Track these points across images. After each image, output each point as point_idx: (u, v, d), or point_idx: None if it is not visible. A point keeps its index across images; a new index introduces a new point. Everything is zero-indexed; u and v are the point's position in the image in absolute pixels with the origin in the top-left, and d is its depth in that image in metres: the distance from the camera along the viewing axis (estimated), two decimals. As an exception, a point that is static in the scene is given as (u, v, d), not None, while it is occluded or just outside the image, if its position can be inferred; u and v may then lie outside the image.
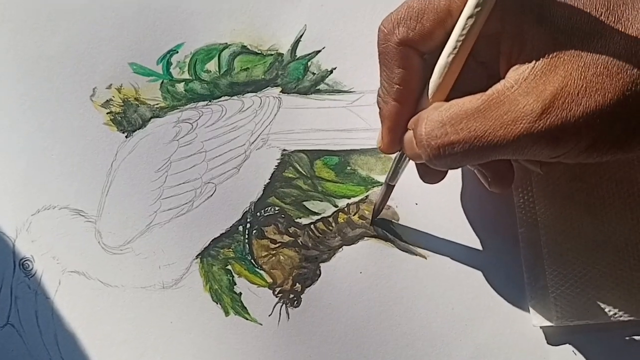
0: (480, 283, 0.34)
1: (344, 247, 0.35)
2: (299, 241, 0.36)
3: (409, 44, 0.27)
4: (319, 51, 0.38)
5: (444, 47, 0.26)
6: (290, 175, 0.37)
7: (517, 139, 0.24)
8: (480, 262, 0.34)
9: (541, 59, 0.24)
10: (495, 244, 0.34)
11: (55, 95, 0.40)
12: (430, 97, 0.27)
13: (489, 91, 0.25)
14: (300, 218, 0.36)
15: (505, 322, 0.33)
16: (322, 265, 0.35)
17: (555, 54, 0.24)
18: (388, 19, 0.27)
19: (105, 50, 0.40)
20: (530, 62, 0.25)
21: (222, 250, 0.36)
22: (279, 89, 0.38)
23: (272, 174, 0.37)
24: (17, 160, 0.39)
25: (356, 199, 0.36)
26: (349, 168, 0.37)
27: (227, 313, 0.35)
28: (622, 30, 0.24)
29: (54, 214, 0.38)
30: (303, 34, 0.39)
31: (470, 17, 0.25)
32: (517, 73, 0.25)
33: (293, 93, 0.38)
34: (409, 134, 0.28)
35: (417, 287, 0.34)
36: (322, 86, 0.38)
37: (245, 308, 0.35)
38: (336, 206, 0.36)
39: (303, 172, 0.37)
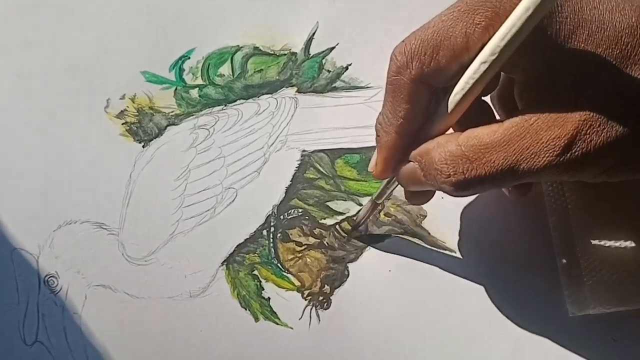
0: (514, 275, 0.33)
1: (370, 246, 0.35)
2: (324, 242, 0.35)
3: (422, 80, 0.26)
4: (333, 48, 0.38)
5: (456, 80, 0.25)
6: (311, 176, 0.36)
7: (540, 171, 0.24)
8: (511, 254, 0.34)
9: (562, 90, 0.24)
10: (526, 235, 0.34)
11: (69, 109, 0.40)
12: (450, 111, 0.26)
13: (508, 123, 0.25)
14: (324, 219, 0.36)
15: (542, 313, 0.33)
16: (349, 265, 0.35)
17: (577, 85, 0.24)
18: (401, 50, 0.26)
19: (117, 61, 0.40)
20: (550, 93, 0.25)
21: (247, 256, 0.36)
22: (295, 89, 0.38)
23: (293, 176, 0.37)
24: (35, 177, 0.39)
25: (381, 196, 0.35)
26: (370, 165, 0.36)
27: (256, 319, 0.35)
28: None
29: (76, 228, 0.38)
30: (315, 31, 0.38)
31: (483, 62, 0.24)
32: (537, 104, 0.25)
33: (309, 92, 0.38)
34: (412, 167, 0.28)
35: (448, 282, 0.34)
36: (338, 83, 0.37)
37: (275, 313, 0.35)
38: (360, 205, 0.36)
39: (324, 172, 0.36)
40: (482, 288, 0.34)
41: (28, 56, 0.42)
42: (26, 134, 0.40)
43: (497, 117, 0.31)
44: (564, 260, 0.33)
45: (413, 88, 0.26)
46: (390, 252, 0.35)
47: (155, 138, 0.38)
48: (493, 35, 0.24)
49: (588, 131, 0.24)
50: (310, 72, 0.38)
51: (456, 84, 0.25)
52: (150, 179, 0.38)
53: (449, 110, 0.26)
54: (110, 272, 0.37)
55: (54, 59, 0.41)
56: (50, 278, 0.37)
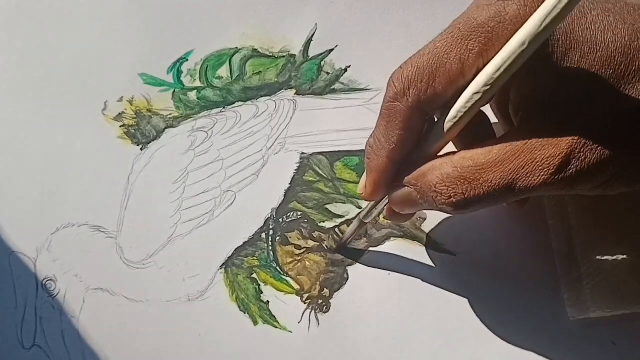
0: (513, 278, 0.33)
1: (370, 249, 0.35)
2: (324, 245, 0.35)
3: (419, 107, 0.26)
4: (332, 50, 0.38)
5: (451, 103, 0.26)
6: (310, 179, 0.36)
7: (536, 189, 0.25)
8: (511, 258, 0.34)
9: (556, 110, 0.24)
10: (525, 238, 0.34)
11: (67, 112, 0.40)
12: (446, 132, 0.26)
13: (502, 142, 0.25)
14: (323, 222, 0.36)
15: (542, 316, 0.33)
16: (349, 268, 0.35)
17: (571, 105, 0.24)
18: (399, 77, 0.26)
19: (114, 63, 0.40)
20: (544, 113, 0.25)
21: (246, 259, 0.36)
22: (294, 91, 0.38)
23: (292, 179, 0.36)
24: (32, 180, 0.39)
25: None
26: (370, 168, 0.36)
27: (255, 322, 0.35)
28: None
29: (74, 231, 0.38)
30: (314, 33, 0.38)
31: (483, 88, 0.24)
32: (531, 122, 0.25)
33: (308, 94, 0.37)
34: (407, 191, 0.28)
35: (447, 285, 0.34)
36: (337, 85, 0.37)
37: (274, 316, 0.35)
38: (360, 207, 0.36)
39: (324, 174, 0.36)
40: (481, 291, 0.33)
41: (25, 59, 0.41)
42: (24, 137, 0.40)
43: (495, 121, 0.31)
44: (564, 264, 0.33)
45: (409, 115, 0.26)
46: (390, 256, 0.34)
47: (153, 141, 0.38)
48: (488, 61, 0.24)
49: (582, 150, 0.24)
50: (309, 74, 0.38)
51: (450, 108, 0.26)
52: (149, 182, 0.38)
53: (443, 136, 0.26)
54: (109, 276, 0.37)
55: (52, 62, 0.41)
56: (48, 281, 0.37)
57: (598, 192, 0.26)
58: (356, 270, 0.35)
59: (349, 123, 0.37)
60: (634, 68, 0.24)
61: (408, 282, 0.34)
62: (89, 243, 0.37)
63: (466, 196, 0.26)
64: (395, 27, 0.38)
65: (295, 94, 0.38)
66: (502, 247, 0.34)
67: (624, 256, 0.32)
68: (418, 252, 0.34)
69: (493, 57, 0.24)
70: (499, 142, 0.25)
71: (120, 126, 0.39)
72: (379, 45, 0.37)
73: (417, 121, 0.27)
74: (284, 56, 0.38)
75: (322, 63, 0.38)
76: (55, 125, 0.39)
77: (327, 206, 0.36)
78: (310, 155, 0.37)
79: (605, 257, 0.32)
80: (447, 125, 0.26)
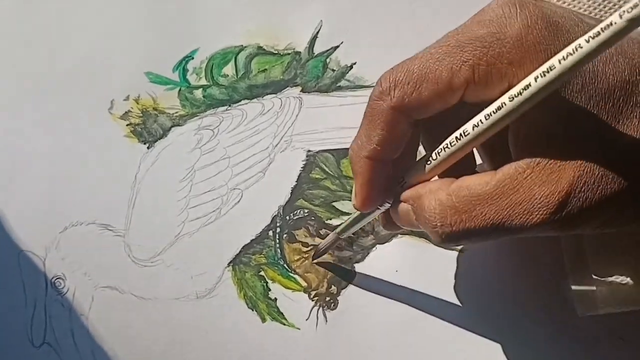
0: (521, 275, 0.33)
1: (377, 246, 0.35)
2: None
3: (401, 110, 0.25)
4: (337, 47, 0.38)
5: (437, 117, 0.25)
6: (317, 176, 0.36)
7: (532, 228, 0.24)
8: (519, 252, 0.34)
9: (556, 144, 0.23)
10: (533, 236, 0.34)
11: (73, 111, 0.40)
12: (427, 172, 0.26)
13: (500, 175, 0.24)
14: (330, 219, 0.36)
15: (550, 313, 0.33)
16: (356, 265, 0.35)
17: (571, 139, 0.23)
18: (386, 77, 0.25)
19: (120, 62, 0.40)
20: (544, 146, 0.24)
21: (253, 257, 0.36)
22: (299, 88, 0.38)
23: (299, 176, 0.36)
24: (40, 179, 0.39)
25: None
26: (376, 165, 0.36)
27: (263, 320, 0.35)
28: None
29: (82, 230, 0.38)
30: (319, 30, 0.38)
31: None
32: (531, 155, 0.24)
33: (313, 92, 0.37)
34: (407, 208, 0.27)
35: (456, 282, 0.34)
36: (343, 83, 0.37)
37: (282, 313, 0.35)
38: (366, 205, 0.35)
39: (330, 172, 0.36)
40: (488, 287, 0.33)
41: (31, 58, 0.42)
42: (31, 137, 0.40)
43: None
44: (572, 260, 0.33)
45: (391, 115, 0.25)
46: (397, 253, 0.34)
47: (159, 139, 0.38)
48: (479, 75, 0.24)
49: (582, 188, 0.23)
50: (314, 72, 0.38)
51: (439, 122, 0.25)
52: (156, 181, 0.38)
53: (443, 158, 0.25)
54: (117, 274, 0.37)
55: (58, 61, 0.41)
56: (57, 280, 0.37)
57: (598, 230, 0.25)
58: (363, 268, 0.35)
59: (355, 120, 0.36)
60: (631, 103, 0.23)
61: (415, 279, 0.34)
62: (97, 241, 0.38)
63: (453, 229, 0.24)
64: (401, 23, 0.38)
65: (301, 91, 0.38)
66: (509, 243, 0.34)
67: (633, 253, 0.32)
68: (425, 249, 0.34)
69: (484, 74, 0.23)
70: (498, 174, 0.24)
71: (127, 125, 0.39)
72: (384, 42, 0.37)
73: (400, 125, 0.26)
74: (289, 53, 0.38)
75: (328, 60, 0.38)
76: (62, 125, 0.40)
77: (334, 204, 0.36)
78: (317, 152, 0.37)
79: (614, 254, 0.32)
80: (449, 150, 0.25)
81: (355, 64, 0.37)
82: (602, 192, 0.23)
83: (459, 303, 0.34)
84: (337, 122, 0.37)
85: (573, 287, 0.32)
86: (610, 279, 0.32)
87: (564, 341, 0.32)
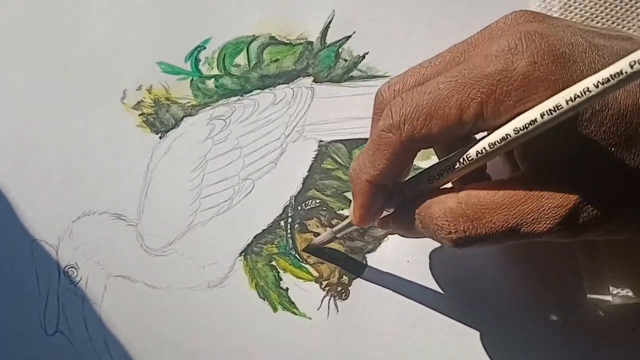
0: (532, 265, 0.33)
1: (389, 236, 0.35)
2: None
3: (410, 144, 0.26)
4: (350, 36, 0.38)
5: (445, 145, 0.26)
6: (329, 167, 0.36)
7: (541, 235, 0.25)
8: (531, 244, 0.33)
9: (565, 163, 0.24)
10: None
11: (86, 100, 0.40)
12: (432, 188, 0.27)
13: (509, 185, 0.25)
14: (342, 209, 0.36)
15: (562, 304, 0.32)
16: (368, 256, 0.35)
17: (580, 159, 0.24)
18: (397, 109, 0.26)
19: (132, 52, 0.40)
20: (553, 163, 0.24)
21: (265, 247, 0.36)
22: (311, 78, 0.38)
23: (311, 166, 0.36)
24: (53, 168, 0.39)
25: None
26: (388, 155, 0.36)
27: (275, 309, 0.35)
28: None
29: (95, 219, 0.38)
30: (332, 19, 0.38)
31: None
32: (539, 169, 0.25)
33: (326, 82, 0.37)
34: (410, 217, 0.28)
35: (468, 272, 0.34)
36: (355, 72, 0.37)
37: (294, 303, 0.35)
38: (378, 195, 0.35)
39: (342, 162, 0.36)
40: (501, 278, 0.33)
41: (44, 48, 0.42)
42: (44, 126, 0.40)
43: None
44: (585, 251, 0.32)
45: (399, 149, 0.26)
46: (409, 243, 0.34)
47: (172, 129, 0.38)
48: (488, 112, 0.24)
49: (591, 204, 0.24)
50: (326, 62, 0.37)
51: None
52: (168, 170, 0.38)
53: (453, 175, 0.26)
54: (129, 263, 0.37)
55: (71, 50, 0.41)
56: (70, 269, 0.38)
57: (605, 237, 0.26)
58: (375, 258, 0.35)
59: (367, 110, 0.36)
60: None
61: (427, 269, 0.34)
62: (110, 231, 0.38)
63: (467, 234, 0.25)
64: (413, 13, 0.37)
65: (313, 81, 0.37)
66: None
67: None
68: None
69: (492, 110, 0.24)
70: (506, 184, 0.25)
71: (139, 115, 0.39)
72: (397, 32, 0.37)
73: (405, 155, 0.26)
74: (301, 43, 0.38)
75: (340, 50, 0.37)
76: (75, 115, 0.40)
77: (346, 194, 0.36)
78: (329, 142, 0.37)
79: (627, 245, 0.32)
80: (461, 166, 0.25)
81: (367, 53, 0.37)
82: (610, 207, 0.24)
83: (470, 293, 0.34)
84: (349, 112, 0.37)
85: (585, 278, 0.32)
86: (624, 292, 0.32)
87: (576, 333, 0.32)
